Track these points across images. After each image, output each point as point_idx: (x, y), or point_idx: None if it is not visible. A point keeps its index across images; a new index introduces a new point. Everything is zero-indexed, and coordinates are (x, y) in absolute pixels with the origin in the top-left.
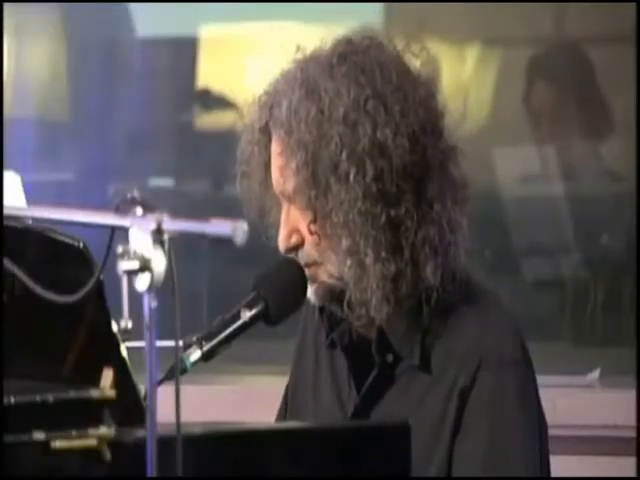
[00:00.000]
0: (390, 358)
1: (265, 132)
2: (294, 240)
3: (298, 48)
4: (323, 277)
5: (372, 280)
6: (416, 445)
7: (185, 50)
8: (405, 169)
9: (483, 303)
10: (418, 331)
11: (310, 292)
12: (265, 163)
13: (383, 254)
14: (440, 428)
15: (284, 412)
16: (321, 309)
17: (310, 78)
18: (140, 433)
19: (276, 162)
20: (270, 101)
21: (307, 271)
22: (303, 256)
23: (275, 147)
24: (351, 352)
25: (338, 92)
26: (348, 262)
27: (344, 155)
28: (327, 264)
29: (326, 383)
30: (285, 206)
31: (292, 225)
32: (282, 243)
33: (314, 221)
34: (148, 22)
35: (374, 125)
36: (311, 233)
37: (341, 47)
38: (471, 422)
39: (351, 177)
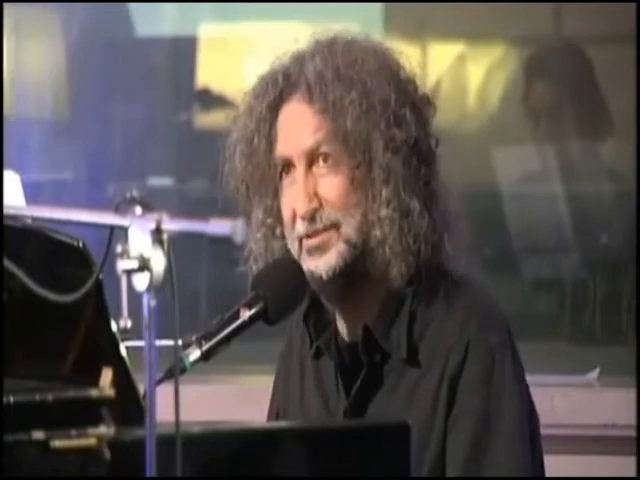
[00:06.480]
0: (378, 357)
1: (273, 108)
2: (314, 204)
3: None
4: (337, 243)
5: (406, 232)
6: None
7: (184, 49)
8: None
9: (465, 291)
10: (403, 325)
11: (322, 263)
12: (267, 140)
13: (420, 206)
14: (433, 419)
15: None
16: (306, 316)
17: (335, 44)
18: (139, 433)
19: (303, 123)
20: (282, 73)
21: (318, 240)
22: (322, 218)
23: (302, 109)
24: (337, 357)
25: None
26: (383, 212)
27: (392, 101)
28: (346, 226)
29: (311, 396)
30: (301, 170)
31: (311, 188)
32: (302, 207)
33: (357, 166)
34: (147, 22)
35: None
36: (351, 181)
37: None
38: (460, 410)
39: (398, 124)
